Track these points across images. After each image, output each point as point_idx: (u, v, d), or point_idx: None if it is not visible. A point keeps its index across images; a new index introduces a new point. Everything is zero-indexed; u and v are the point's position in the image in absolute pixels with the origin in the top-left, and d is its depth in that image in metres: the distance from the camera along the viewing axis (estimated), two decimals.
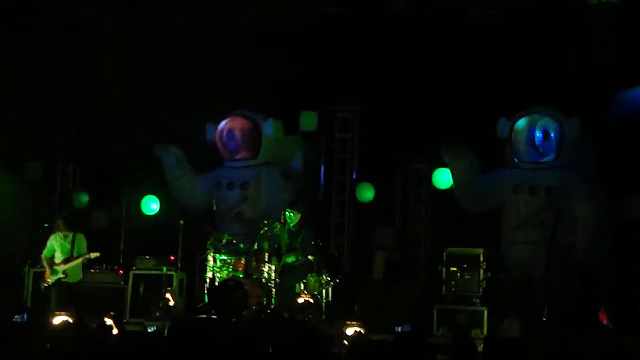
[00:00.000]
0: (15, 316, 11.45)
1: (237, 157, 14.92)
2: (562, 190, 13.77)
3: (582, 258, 13.46)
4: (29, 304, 13.21)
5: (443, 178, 14.35)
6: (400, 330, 11.22)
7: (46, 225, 13.10)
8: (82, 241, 12.47)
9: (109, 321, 9.21)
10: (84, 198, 15.10)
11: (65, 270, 12.10)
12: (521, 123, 14.01)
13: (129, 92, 14.02)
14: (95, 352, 7.41)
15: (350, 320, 11.72)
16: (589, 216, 13.57)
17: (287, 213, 12.96)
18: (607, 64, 12.57)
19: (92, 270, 13.36)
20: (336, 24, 13.90)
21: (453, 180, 14.09)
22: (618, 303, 12.28)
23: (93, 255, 12.79)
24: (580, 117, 13.70)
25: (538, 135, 13.99)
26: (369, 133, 14.88)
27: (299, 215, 13.00)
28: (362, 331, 11.18)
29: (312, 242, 13.00)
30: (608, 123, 13.26)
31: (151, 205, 14.86)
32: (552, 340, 9.91)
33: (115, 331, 8.85)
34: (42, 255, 12.35)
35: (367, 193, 14.78)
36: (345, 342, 10.17)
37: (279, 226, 12.97)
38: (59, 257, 12.28)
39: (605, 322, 12.19)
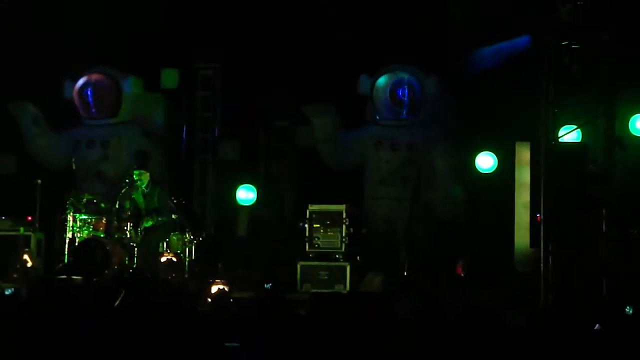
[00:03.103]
0: None
1: (97, 115, 14.63)
2: (423, 146, 14.04)
3: (441, 213, 13.78)
4: None
5: None
6: (268, 288, 11.28)
7: None
8: None
9: None
10: None
11: None
12: (382, 80, 14.18)
13: None
14: None
15: (215, 278, 11.72)
16: (448, 171, 13.89)
17: (134, 175, 12.66)
18: (463, 20, 12.80)
19: None
20: None
21: (316, 137, 14.17)
22: (473, 256, 12.64)
23: None
24: (438, 74, 13.96)
25: (399, 92, 14.19)
26: (232, 90, 14.77)
27: (147, 175, 12.72)
28: (227, 289, 11.18)
29: (174, 200, 12.86)
30: (465, 78, 13.55)
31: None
32: (413, 294, 10.13)
33: None
34: None
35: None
36: (209, 299, 10.16)
37: (140, 185, 12.77)
38: None
39: (462, 274, 12.54)
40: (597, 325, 6.94)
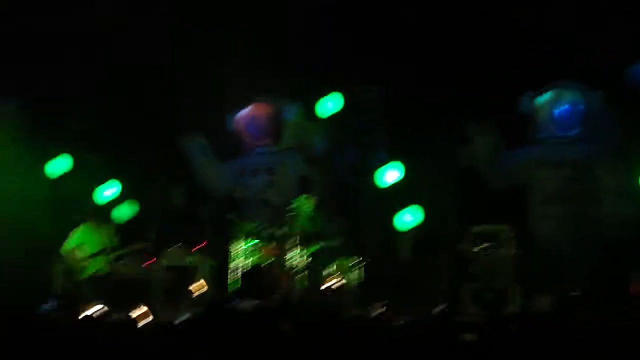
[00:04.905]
0: (44, 305, 11.47)
1: (260, 143, 14.94)
2: (588, 164, 13.74)
3: (609, 230, 13.42)
4: (59, 293, 13.24)
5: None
6: (438, 311, 11.19)
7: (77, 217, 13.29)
8: (112, 232, 12.87)
9: (138, 312, 9.26)
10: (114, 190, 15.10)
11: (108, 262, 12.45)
12: (545, 98, 13.98)
13: (153, 81, 14.06)
14: (129, 341, 7.47)
15: (381, 302, 11.73)
16: (614, 189, 13.53)
17: (299, 201, 12.90)
18: (630, 33, 12.49)
19: (119, 262, 13.44)
20: (352, 4, 13.89)
21: (477, 156, 14.08)
22: None
23: (140, 246, 13.05)
24: (604, 89, 13.64)
25: (562, 109, 13.95)
26: (394, 113, 14.81)
27: (312, 200, 12.96)
28: (390, 312, 11.18)
29: (339, 224, 13.00)
30: (632, 93, 13.19)
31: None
32: (584, 314, 9.90)
33: (145, 322, 8.89)
34: (69, 247, 12.60)
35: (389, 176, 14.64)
36: (376, 323, 10.18)
37: (305, 211, 12.97)
38: (87, 249, 12.64)
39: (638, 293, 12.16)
40: None
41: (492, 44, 13.54)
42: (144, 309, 9.39)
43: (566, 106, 13.92)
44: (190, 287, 12.61)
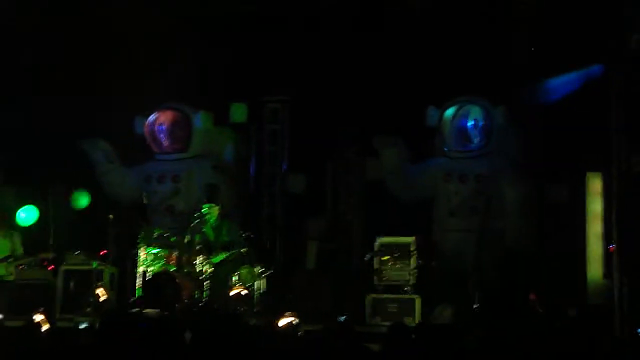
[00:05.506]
0: None
1: (167, 150, 14.84)
2: (491, 177, 13.95)
3: (512, 243, 13.65)
4: None
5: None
6: (341, 320, 11.25)
7: None
8: (18, 240, 12.63)
9: (39, 317, 9.07)
10: (11, 194, 14.83)
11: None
12: (450, 112, 14.17)
13: (55, 85, 13.83)
14: (24, 349, 7.30)
15: (284, 311, 11.73)
16: (517, 201, 13.77)
17: (204, 208, 12.85)
18: (530, 51, 12.77)
19: (20, 267, 13.17)
20: (262, 15, 13.90)
21: (383, 169, 14.19)
22: (545, 287, 12.49)
23: (48, 255, 12.80)
24: (506, 104, 13.89)
25: (467, 123, 14.15)
26: (299, 123, 14.87)
27: (217, 208, 12.91)
28: (296, 321, 11.18)
29: (243, 234, 12.96)
30: (534, 109, 13.47)
31: (81, 199, 14.59)
32: (484, 326, 10.04)
33: (45, 327, 8.72)
34: None
35: None
36: (279, 332, 10.16)
37: (209, 219, 12.90)
38: None
39: (536, 306, 12.38)
40: None
41: (399, 57, 13.67)
42: (42, 316, 9.20)
43: (469, 121, 14.13)
44: (91, 294, 12.42)
